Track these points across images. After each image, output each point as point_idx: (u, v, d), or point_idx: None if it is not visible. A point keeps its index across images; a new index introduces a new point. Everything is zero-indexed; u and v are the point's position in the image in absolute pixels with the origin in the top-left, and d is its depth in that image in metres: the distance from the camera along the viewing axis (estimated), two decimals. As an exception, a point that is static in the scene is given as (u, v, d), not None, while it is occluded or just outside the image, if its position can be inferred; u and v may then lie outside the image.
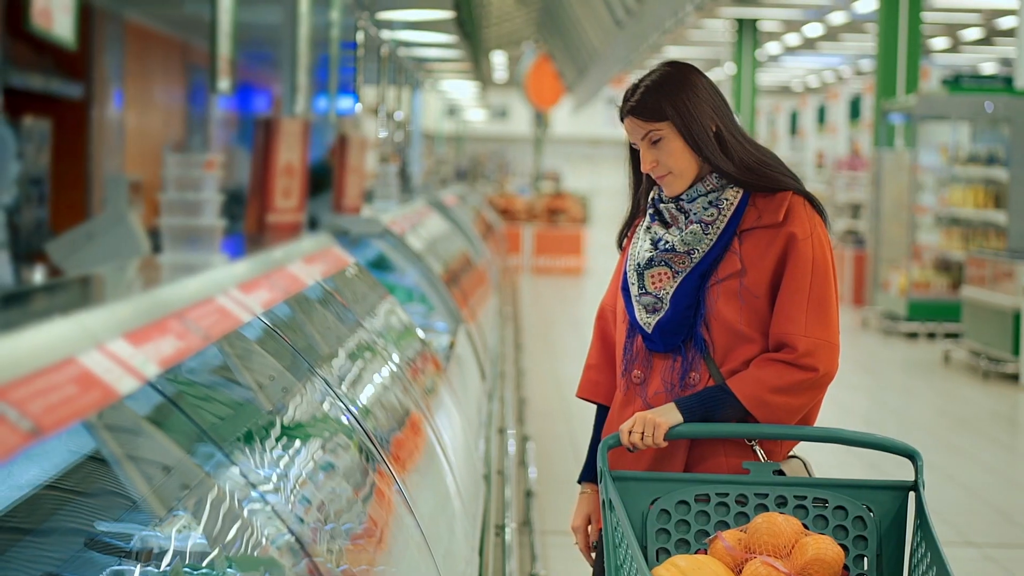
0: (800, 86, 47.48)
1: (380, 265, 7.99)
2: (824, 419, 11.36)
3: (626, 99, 3.52)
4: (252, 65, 20.59)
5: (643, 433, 3.31)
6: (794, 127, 33.92)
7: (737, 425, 3.41)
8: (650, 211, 3.58)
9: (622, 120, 3.53)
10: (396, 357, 5.08)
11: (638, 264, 3.53)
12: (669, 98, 3.44)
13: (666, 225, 3.53)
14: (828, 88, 38.40)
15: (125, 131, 15.66)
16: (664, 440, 3.33)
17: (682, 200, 3.51)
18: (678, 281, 3.46)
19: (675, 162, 3.46)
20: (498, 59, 41.08)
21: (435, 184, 20.84)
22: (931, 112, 17.80)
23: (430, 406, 5.04)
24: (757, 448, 3.43)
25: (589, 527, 3.66)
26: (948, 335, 16.80)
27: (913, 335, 17.29)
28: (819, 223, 3.49)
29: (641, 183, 3.63)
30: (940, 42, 31.78)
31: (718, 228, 3.47)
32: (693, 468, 3.46)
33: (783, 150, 34.16)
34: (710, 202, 3.48)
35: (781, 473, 3.40)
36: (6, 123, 11.66)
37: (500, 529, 5.29)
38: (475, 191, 26.84)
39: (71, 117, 14.16)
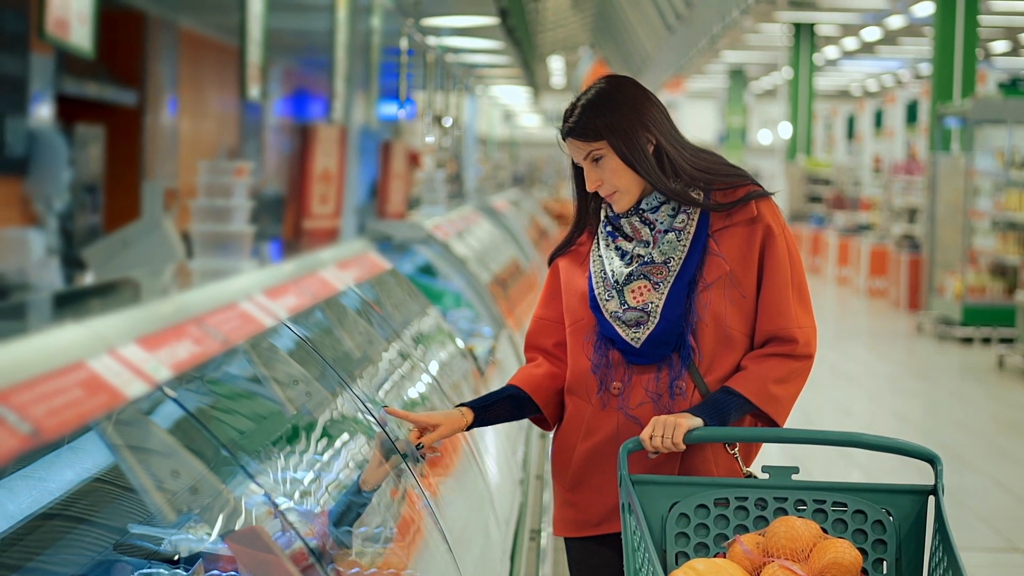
0: (859, 90, 47.25)
1: (424, 271, 8.00)
2: (877, 423, 11.29)
3: (565, 119, 3.49)
4: (308, 72, 20.69)
5: (663, 436, 3.31)
6: (851, 131, 33.75)
7: (757, 429, 3.42)
8: (607, 229, 3.55)
9: (564, 140, 3.51)
10: (430, 363, 5.09)
11: (616, 280, 3.48)
12: (603, 117, 3.41)
13: (629, 239, 3.50)
14: (886, 92, 38.21)
15: (179, 138, 15.77)
16: (684, 443, 3.33)
17: (644, 211, 3.49)
18: (664, 293, 3.43)
19: (618, 180, 3.44)
20: (555, 64, 41.09)
21: (490, 189, 20.85)
22: (987, 116, 17.70)
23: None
24: (736, 453, 3.44)
25: (427, 434, 3.53)
26: (1003, 340, 16.68)
27: (968, 340, 17.18)
28: (780, 212, 3.51)
29: (587, 201, 3.59)
30: (1000, 45, 31.57)
31: (689, 234, 3.46)
32: (686, 468, 3.47)
33: (840, 154, 34.00)
34: (674, 208, 3.48)
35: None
36: (59, 131, 11.79)
37: (535, 534, 5.29)
38: (530, 196, 26.83)
39: (125, 124, 14.27)
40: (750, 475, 3.43)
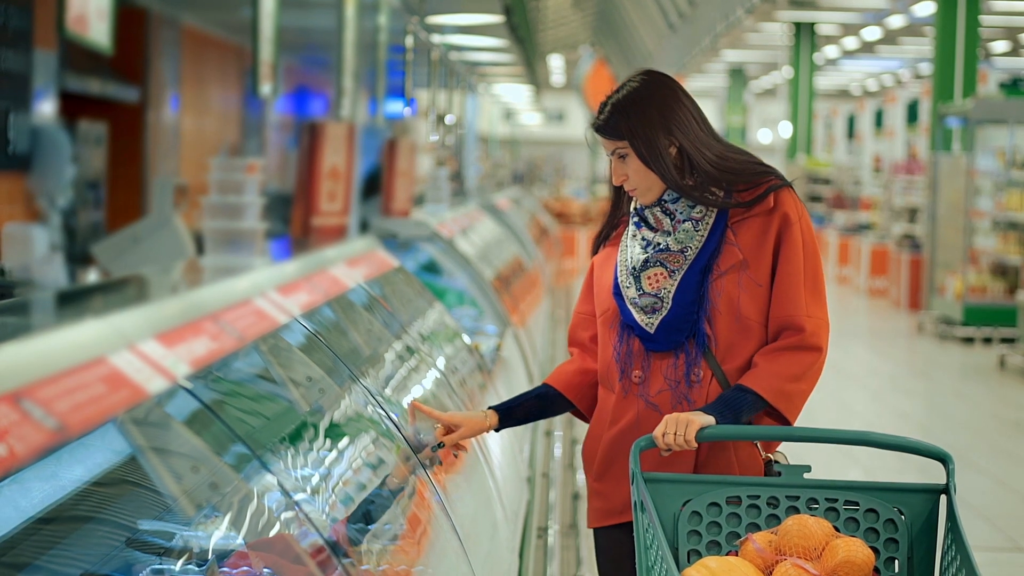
0: (859, 90, 47.24)
1: (428, 268, 8.01)
2: (879, 422, 11.30)
3: (598, 114, 3.58)
4: (309, 69, 20.70)
5: (675, 433, 3.32)
6: (852, 131, 33.74)
7: (768, 428, 3.43)
8: (634, 219, 3.62)
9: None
10: (438, 360, 5.10)
11: (633, 268, 3.56)
12: (627, 120, 3.49)
13: (652, 229, 3.57)
14: (886, 92, 38.21)
15: (181, 135, 15.77)
16: (696, 441, 3.34)
17: (665, 202, 3.55)
18: (677, 279, 3.50)
19: (640, 179, 3.52)
20: (555, 63, 41.09)
21: (491, 188, 20.85)
22: (988, 116, 17.71)
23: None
24: (758, 444, 3.47)
25: (450, 435, 3.65)
26: (1004, 340, 16.69)
27: (969, 340, 17.19)
28: (803, 205, 3.56)
29: (622, 194, 3.66)
30: (1001, 45, 31.56)
31: (707, 224, 3.52)
32: (703, 461, 3.50)
33: (840, 154, 34.00)
34: (694, 199, 3.53)
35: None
36: (62, 127, 11.79)
37: (543, 531, 5.30)
38: (531, 195, 26.84)
39: (127, 121, 14.27)
40: (769, 460, 3.45)
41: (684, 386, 3.49)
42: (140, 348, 2.44)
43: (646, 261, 3.53)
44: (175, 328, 2.67)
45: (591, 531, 3.76)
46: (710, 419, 3.35)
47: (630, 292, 3.55)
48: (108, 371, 2.27)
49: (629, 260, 3.57)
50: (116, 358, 2.33)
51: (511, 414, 3.72)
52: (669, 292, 3.50)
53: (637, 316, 3.53)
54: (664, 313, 3.50)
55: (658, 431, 3.34)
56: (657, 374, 3.52)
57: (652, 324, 3.51)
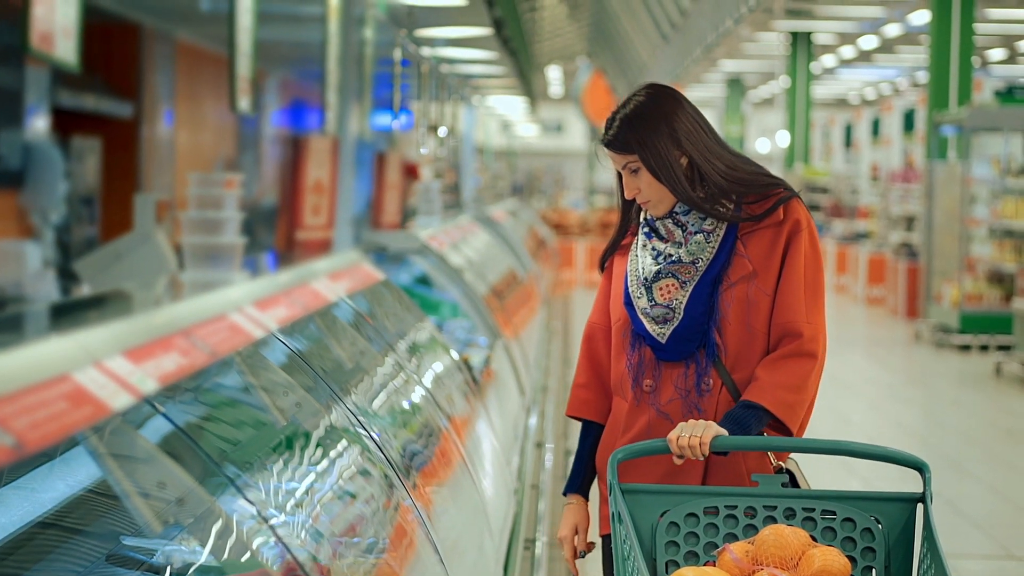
0: (856, 98, 47.27)
1: (419, 282, 8.01)
2: (876, 431, 11.24)
3: (605, 130, 3.60)
4: (305, 83, 20.71)
5: (691, 434, 3.32)
6: (849, 140, 33.75)
7: (770, 439, 3.43)
8: (644, 230, 3.64)
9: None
10: (423, 374, 5.09)
11: (645, 278, 3.58)
12: (636, 133, 3.52)
13: (663, 240, 3.58)
14: (883, 100, 38.22)
15: (175, 150, 15.77)
16: (710, 449, 3.35)
17: (677, 214, 3.58)
18: (688, 291, 3.53)
19: (653, 192, 3.55)
20: (553, 74, 41.12)
21: (489, 199, 20.85)
22: (983, 124, 17.73)
23: (457, 423, 5.04)
24: (770, 454, 3.49)
25: (576, 537, 3.70)
26: (1000, 347, 16.68)
27: (965, 347, 17.18)
28: (810, 215, 3.60)
29: (631, 203, 3.68)
30: (996, 53, 31.57)
31: (718, 236, 3.55)
32: (713, 472, 3.52)
33: (837, 163, 34.01)
34: (705, 212, 3.55)
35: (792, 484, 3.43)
36: (55, 143, 11.80)
37: (530, 543, 5.29)
38: (529, 206, 26.84)
39: (121, 136, 14.28)
40: (780, 468, 3.46)
41: (695, 395, 3.52)
42: (106, 364, 2.43)
43: (658, 272, 3.56)
44: (144, 344, 2.66)
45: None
46: (723, 431, 3.36)
47: (641, 302, 3.58)
48: (71, 388, 2.26)
49: (640, 270, 3.60)
50: (80, 375, 2.32)
51: (586, 479, 3.75)
52: (681, 303, 3.53)
53: (648, 326, 3.57)
54: (676, 323, 3.54)
55: (673, 434, 3.35)
56: (668, 383, 3.55)
57: (664, 334, 3.55)
